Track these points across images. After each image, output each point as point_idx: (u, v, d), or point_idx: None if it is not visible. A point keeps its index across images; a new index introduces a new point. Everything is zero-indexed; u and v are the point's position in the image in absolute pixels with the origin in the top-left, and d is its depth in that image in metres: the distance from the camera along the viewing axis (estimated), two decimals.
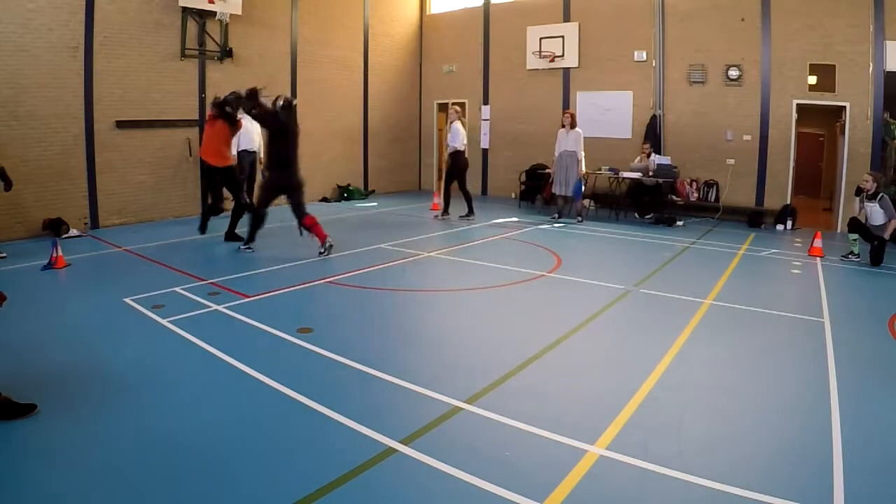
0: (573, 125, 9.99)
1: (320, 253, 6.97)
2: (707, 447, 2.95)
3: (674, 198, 10.74)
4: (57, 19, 8.14)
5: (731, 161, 10.73)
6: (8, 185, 6.95)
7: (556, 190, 10.25)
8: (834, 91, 9.63)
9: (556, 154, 10.15)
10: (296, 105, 7.23)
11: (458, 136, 9.84)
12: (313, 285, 5.84)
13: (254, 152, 8.98)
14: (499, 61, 13.56)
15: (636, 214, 10.75)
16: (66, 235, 8.01)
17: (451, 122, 9.97)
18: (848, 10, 9.33)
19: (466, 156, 10.27)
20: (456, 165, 9.96)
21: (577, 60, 12.25)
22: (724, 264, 7.16)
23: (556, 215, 10.35)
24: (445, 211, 10.27)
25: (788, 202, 10.24)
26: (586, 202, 10.84)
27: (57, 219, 8.14)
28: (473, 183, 14.41)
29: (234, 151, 8.14)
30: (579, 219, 10.17)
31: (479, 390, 3.52)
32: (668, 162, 10.34)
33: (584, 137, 10.08)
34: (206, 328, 4.52)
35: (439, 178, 10.39)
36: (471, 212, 10.16)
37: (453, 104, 10.92)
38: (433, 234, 8.81)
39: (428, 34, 14.80)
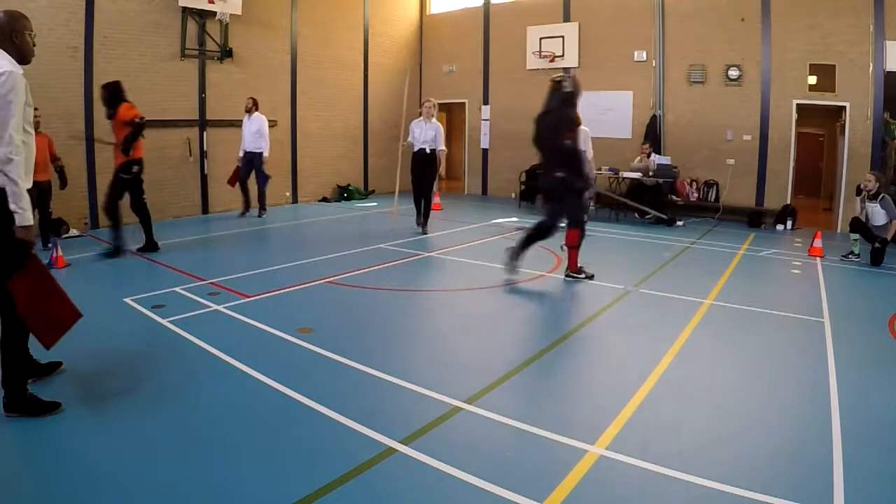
0: (578, 123, 9.85)
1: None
2: (707, 447, 2.94)
3: (674, 198, 10.74)
4: (57, 19, 8.13)
5: (731, 161, 10.73)
6: (63, 184, 7.52)
7: None
8: (834, 91, 9.63)
9: None
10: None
11: (442, 136, 8.64)
12: (313, 285, 5.83)
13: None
14: (499, 61, 13.56)
15: (636, 214, 10.75)
16: (66, 235, 8.01)
17: (432, 118, 8.61)
18: (848, 10, 9.33)
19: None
20: (435, 167, 8.68)
21: (577, 60, 12.26)
22: (724, 264, 7.16)
23: None
24: (425, 222, 8.88)
25: (788, 202, 10.24)
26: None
27: (57, 219, 8.12)
28: (474, 183, 14.49)
29: None
30: None
31: (479, 390, 3.52)
32: (668, 162, 10.34)
33: None
34: (206, 328, 4.51)
35: (413, 182, 8.91)
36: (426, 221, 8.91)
37: (427, 99, 9.01)
38: (433, 235, 8.80)
39: (428, 34, 14.80)
